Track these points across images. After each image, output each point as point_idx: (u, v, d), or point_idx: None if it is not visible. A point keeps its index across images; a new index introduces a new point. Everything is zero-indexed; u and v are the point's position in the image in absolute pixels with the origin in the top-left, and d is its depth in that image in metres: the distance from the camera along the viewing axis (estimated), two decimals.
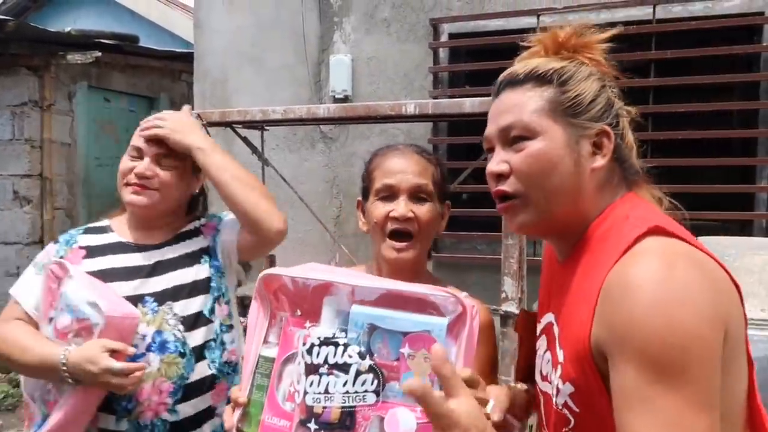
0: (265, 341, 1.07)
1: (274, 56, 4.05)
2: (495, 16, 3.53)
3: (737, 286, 0.84)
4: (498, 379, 1.40)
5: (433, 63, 3.67)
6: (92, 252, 1.51)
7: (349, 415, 0.95)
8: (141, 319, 1.42)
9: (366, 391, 0.94)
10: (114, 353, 1.33)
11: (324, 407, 0.95)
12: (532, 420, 1.17)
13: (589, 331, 0.83)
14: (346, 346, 0.96)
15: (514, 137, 0.94)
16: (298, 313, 1.04)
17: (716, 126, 3.24)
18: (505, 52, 4.09)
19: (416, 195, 1.27)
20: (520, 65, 0.99)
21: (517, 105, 0.95)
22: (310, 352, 0.98)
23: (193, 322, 1.48)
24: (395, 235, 1.28)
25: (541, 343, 1.03)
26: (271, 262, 3.54)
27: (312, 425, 0.95)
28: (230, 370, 1.53)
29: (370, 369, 0.94)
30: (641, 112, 1.03)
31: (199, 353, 1.47)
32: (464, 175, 2.72)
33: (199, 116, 2.94)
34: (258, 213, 1.51)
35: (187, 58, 6.10)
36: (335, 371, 0.96)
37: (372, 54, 3.82)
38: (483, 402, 0.96)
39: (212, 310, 1.51)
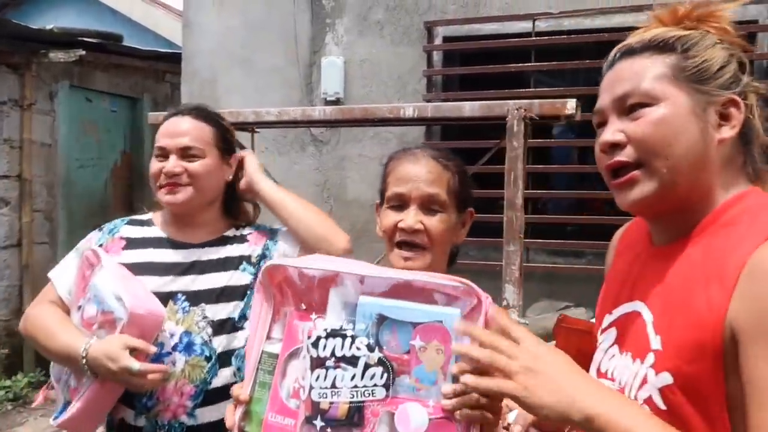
0: (269, 337, 1.02)
1: (264, 57, 3.98)
2: (490, 20, 3.51)
3: None
4: None
5: (427, 66, 3.63)
6: (132, 243, 1.51)
7: (357, 410, 0.91)
8: (170, 318, 1.41)
9: (375, 385, 0.90)
10: (135, 351, 1.31)
11: (331, 402, 0.91)
12: None
13: (725, 313, 0.77)
14: (353, 337, 0.92)
15: (631, 105, 0.87)
16: (303, 307, 0.99)
17: None
18: (500, 56, 4.08)
19: (427, 205, 1.20)
20: (636, 38, 0.91)
21: (636, 72, 0.87)
22: (316, 344, 0.93)
23: (223, 326, 1.45)
24: (404, 245, 1.22)
25: (607, 337, 0.97)
26: None
27: (318, 422, 0.91)
28: None
29: (380, 362, 0.90)
30: None
31: (225, 359, 1.44)
32: None
33: None
34: (322, 232, 1.54)
35: (172, 59, 6.00)
36: (342, 364, 0.91)
37: (365, 56, 3.77)
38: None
39: (244, 317, 1.47)
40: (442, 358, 0.88)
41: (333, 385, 0.91)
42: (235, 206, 1.63)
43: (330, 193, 3.89)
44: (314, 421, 0.91)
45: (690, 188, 0.86)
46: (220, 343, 1.44)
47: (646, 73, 0.87)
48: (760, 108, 0.92)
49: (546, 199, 3.91)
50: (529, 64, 3.44)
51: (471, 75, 3.63)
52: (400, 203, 1.22)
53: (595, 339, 1.04)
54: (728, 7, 0.91)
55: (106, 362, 1.30)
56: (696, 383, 0.79)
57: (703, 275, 0.82)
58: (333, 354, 0.92)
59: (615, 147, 0.88)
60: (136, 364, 1.29)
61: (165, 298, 1.42)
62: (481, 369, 0.83)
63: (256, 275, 1.50)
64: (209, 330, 1.43)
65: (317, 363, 0.93)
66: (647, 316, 0.89)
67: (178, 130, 1.50)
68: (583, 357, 1.05)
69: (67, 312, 1.47)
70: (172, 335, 1.40)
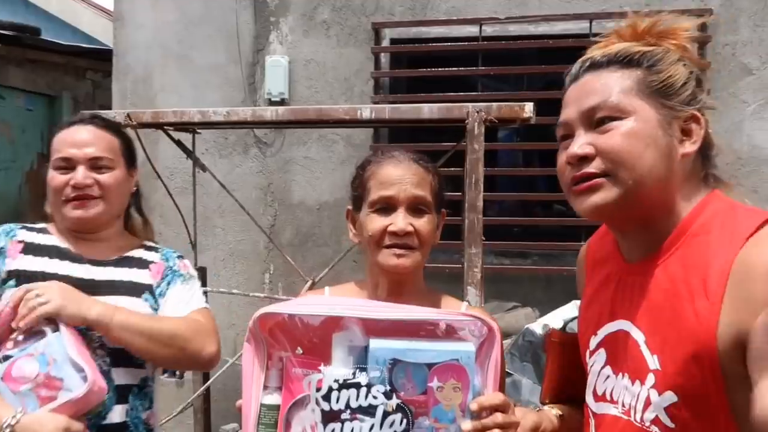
0: (265, 387, 0.97)
1: (203, 55, 3.81)
2: (437, 23, 3.52)
3: None
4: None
5: (375, 68, 3.60)
6: (30, 249, 1.40)
7: None
8: None
9: (395, 431, 0.89)
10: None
11: None
12: None
13: (716, 323, 0.77)
14: (369, 386, 0.89)
15: (600, 118, 0.88)
16: (300, 351, 0.94)
17: None
18: (448, 60, 4.10)
19: (415, 207, 1.19)
20: (599, 51, 0.93)
21: (604, 86, 0.89)
22: (327, 397, 0.90)
23: (122, 358, 1.34)
24: (393, 246, 1.20)
25: (597, 359, 0.96)
26: (203, 274, 3.31)
27: None
28: (145, 431, 1.39)
29: (398, 408, 0.89)
30: None
31: (121, 394, 1.34)
32: None
33: (129, 116, 2.70)
34: (183, 363, 1.55)
35: (94, 55, 5.66)
36: (359, 415, 0.89)
37: (310, 57, 3.69)
38: (514, 425, 0.91)
39: None
40: (459, 395, 0.89)
41: None
42: (132, 221, 1.56)
43: (274, 197, 3.77)
44: None
45: (653, 200, 0.88)
46: (118, 375, 1.34)
47: (614, 86, 0.88)
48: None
49: (491, 202, 3.97)
50: (478, 68, 3.48)
51: (420, 77, 3.63)
52: (387, 206, 1.20)
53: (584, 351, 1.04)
54: (686, 26, 0.95)
55: None
56: (700, 397, 0.80)
57: (686, 289, 0.83)
58: (348, 406, 0.89)
59: (583, 159, 0.89)
60: None
61: None
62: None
63: (156, 309, 1.43)
64: (108, 359, 1.33)
65: (331, 417, 0.89)
66: (638, 335, 0.89)
67: (85, 139, 1.40)
68: (575, 370, 1.05)
69: None
70: None
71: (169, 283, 1.47)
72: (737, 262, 0.77)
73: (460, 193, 2.37)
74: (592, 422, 0.95)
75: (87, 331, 1.30)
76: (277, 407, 0.95)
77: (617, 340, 0.93)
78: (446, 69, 3.54)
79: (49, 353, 1.21)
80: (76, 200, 1.37)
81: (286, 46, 3.71)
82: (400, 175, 1.20)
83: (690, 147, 0.89)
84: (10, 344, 1.24)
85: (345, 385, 0.90)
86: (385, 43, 3.62)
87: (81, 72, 5.88)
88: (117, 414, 1.33)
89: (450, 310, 0.96)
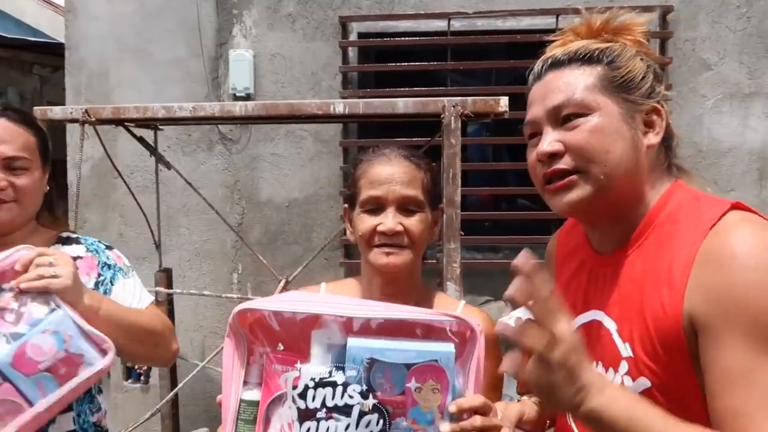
0: (245, 383, 0.96)
1: (162, 48, 3.67)
2: (405, 17, 3.49)
3: None
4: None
5: (342, 62, 3.54)
6: None
7: None
8: None
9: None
10: None
11: None
12: None
13: (680, 310, 0.79)
14: (345, 385, 0.88)
15: (566, 116, 0.90)
16: (281, 347, 0.93)
17: None
18: (416, 55, 4.08)
19: (405, 206, 1.19)
20: (560, 50, 0.95)
21: (567, 83, 0.91)
22: (303, 395, 0.88)
23: None
24: (384, 245, 1.19)
25: None
26: (168, 276, 3.19)
27: None
28: None
29: (375, 408, 0.88)
30: None
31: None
32: None
33: (87, 112, 2.56)
34: (153, 359, 1.54)
35: (41, 48, 5.40)
36: (335, 414, 0.88)
37: (276, 51, 3.60)
38: (495, 428, 0.91)
39: None
40: (439, 397, 0.87)
41: None
42: (46, 214, 1.45)
43: (241, 194, 3.67)
44: None
45: (623, 192, 0.91)
46: None
47: (577, 84, 0.91)
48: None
49: (462, 196, 3.98)
50: (447, 62, 3.47)
51: (388, 72, 3.59)
52: (376, 206, 1.19)
53: None
54: (640, 22, 0.98)
55: None
56: (672, 382, 0.82)
57: (653, 278, 0.86)
58: (324, 405, 0.88)
59: (553, 156, 0.91)
60: None
61: None
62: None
63: None
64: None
65: (306, 415, 0.88)
66: (610, 324, 0.92)
67: None
68: None
69: None
70: None
71: (112, 282, 1.39)
72: (701, 251, 0.80)
73: None
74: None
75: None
76: (256, 403, 0.95)
77: (591, 330, 0.95)
78: (416, 63, 3.52)
79: (62, 330, 1.16)
80: None
81: (251, 40, 3.61)
82: (389, 174, 1.19)
83: (654, 138, 0.92)
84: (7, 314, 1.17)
85: (321, 384, 0.89)
86: (353, 37, 3.57)
87: (27, 66, 5.61)
88: (65, 422, 1.27)
89: (431, 310, 0.94)
